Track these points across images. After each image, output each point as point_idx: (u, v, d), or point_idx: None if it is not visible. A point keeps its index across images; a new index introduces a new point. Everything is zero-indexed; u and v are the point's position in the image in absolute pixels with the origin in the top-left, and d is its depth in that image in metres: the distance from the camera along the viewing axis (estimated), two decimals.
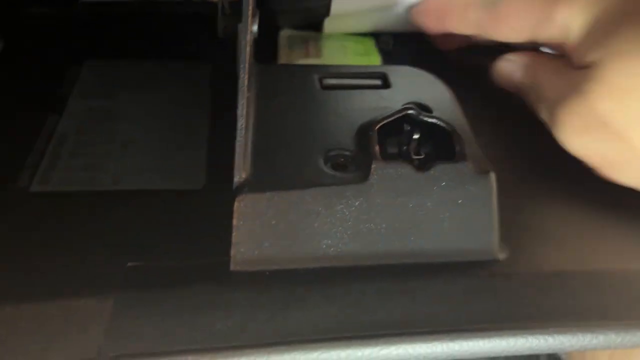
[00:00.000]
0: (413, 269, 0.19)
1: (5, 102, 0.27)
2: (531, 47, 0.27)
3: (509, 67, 0.27)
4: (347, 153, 0.21)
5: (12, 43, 0.31)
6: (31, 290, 0.18)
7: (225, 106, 0.21)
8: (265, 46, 0.30)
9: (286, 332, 0.17)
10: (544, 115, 0.25)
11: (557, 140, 0.23)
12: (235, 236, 0.18)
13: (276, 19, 0.32)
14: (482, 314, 0.18)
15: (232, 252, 0.18)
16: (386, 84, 0.24)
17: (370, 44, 0.32)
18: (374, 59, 0.30)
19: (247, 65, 0.19)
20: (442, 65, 0.26)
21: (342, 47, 0.31)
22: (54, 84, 0.28)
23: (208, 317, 0.17)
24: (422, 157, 0.20)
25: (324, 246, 0.19)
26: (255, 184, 0.19)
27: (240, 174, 0.19)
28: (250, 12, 0.20)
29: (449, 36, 0.29)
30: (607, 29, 0.22)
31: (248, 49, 0.19)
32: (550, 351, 0.18)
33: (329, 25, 0.31)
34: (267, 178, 0.19)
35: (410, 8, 0.30)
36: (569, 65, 0.24)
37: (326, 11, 0.30)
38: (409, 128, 0.21)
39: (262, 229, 0.19)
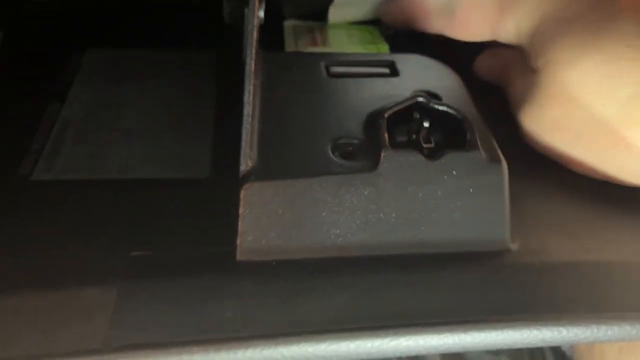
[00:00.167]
0: (423, 259, 0.19)
1: (6, 91, 0.26)
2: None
3: (486, 64, 0.28)
4: (356, 142, 0.20)
5: (14, 32, 0.31)
6: (35, 280, 0.18)
7: (231, 94, 0.21)
8: (272, 38, 0.30)
9: (294, 323, 0.16)
10: (514, 112, 0.25)
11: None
12: (241, 225, 0.18)
13: (281, 9, 0.32)
14: (494, 305, 0.17)
15: (238, 241, 0.18)
16: (394, 72, 0.24)
17: (377, 32, 0.31)
18: (381, 47, 0.30)
19: (253, 50, 0.18)
20: (447, 53, 0.25)
21: (348, 36, 0.30)
22: (56, 72, 0.28)
23: (214, 307, 0.17)
24: (432, 145, 0.20)
25: (332, 236, 0.19)
26: (262, 173, 0.18)
27: (246, 162, 0.19)
28: None
29: None
30: (546, 37, 0.22)
31: (255, 33, 0.18)
32: (564, 343, 0.17)
33: (333, 14, 0.31)
34: (274, 166, 0.19)
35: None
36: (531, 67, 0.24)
37: None
38: (418, 116, 0.21)
39: (269, 218, 0.18)
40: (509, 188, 0.20)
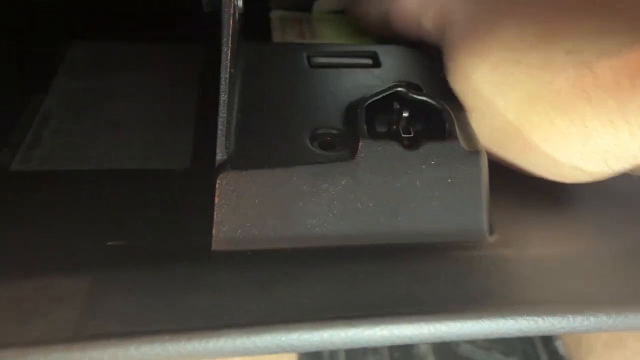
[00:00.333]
0: (400, 249, 0.19)
1: None
2: None
3: None
4: (335, 132, 0.20)
5: None
6: (8, 269, 0.17)
7: (215, 86, 0.21)
8: (260, 30, 0.30)
9: (269, 313, 0.16)
10: None
11: None
12: (216, 215, 0.18)
13: None
14: (471, 295, 0.17)
15: (214, 231, 0.18)
16: (376, 63, 0.24)
17: None
18: (368, 38, 0.29)
19: (229, 38, 0.18)
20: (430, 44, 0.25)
21: (335, 27, 0.30)
22: (40, 63, 0.28)
23: (188, 297, 0.17)
24: (411, 135, 0.20)
25: (309, 226, 0.18)
26: (238, 162, 0.18)
27: (222, 152, 0.18)
28: None
29: None
30: (448, 41, 0.22)
31: (230, 22, 0.18)
32: (541, 333, 0.17)
33: (319, 3, 0.31)
34: (251, 156, 0.19)
35: None
36: None
37: None
38: (398, 107, 0.20)
39: (245, 208, 0.18)
40: (490, 180, 0.20)
